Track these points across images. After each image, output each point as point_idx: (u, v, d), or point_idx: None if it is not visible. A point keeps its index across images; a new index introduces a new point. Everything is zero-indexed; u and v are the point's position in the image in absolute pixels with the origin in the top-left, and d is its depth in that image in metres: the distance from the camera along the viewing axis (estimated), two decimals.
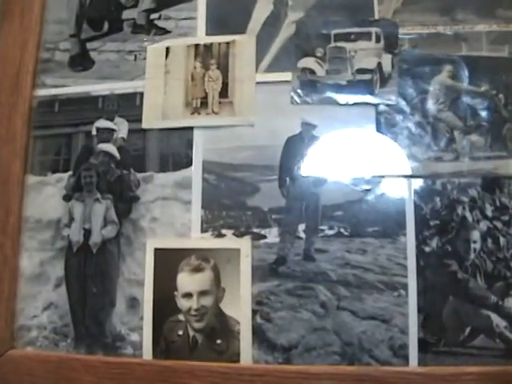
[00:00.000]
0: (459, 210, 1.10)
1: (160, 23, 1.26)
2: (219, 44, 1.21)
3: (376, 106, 1.15)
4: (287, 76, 1.18)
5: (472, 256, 1.08)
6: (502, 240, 1.08)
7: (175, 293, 1.13)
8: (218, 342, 1.11)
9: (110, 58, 1.27)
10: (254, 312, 1.11)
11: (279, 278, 1.12)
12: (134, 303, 1.17)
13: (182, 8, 1.26)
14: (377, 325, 1.08)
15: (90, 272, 1.20)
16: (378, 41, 1.17)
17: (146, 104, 1.22)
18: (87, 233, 1.21)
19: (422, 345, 1.06)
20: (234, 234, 1.15)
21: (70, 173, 1.24)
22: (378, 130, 1.14)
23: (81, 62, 1.28)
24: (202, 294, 1.11)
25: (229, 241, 1.15)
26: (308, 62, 1.18)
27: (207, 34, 1.23)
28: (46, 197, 1.24)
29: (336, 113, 1.16)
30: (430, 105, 1.14)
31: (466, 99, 1.14)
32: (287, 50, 1.19)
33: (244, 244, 1.13)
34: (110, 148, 1.23)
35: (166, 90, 1.21)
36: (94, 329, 1.18)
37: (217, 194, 1.17)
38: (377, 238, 1.11)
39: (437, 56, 1.16)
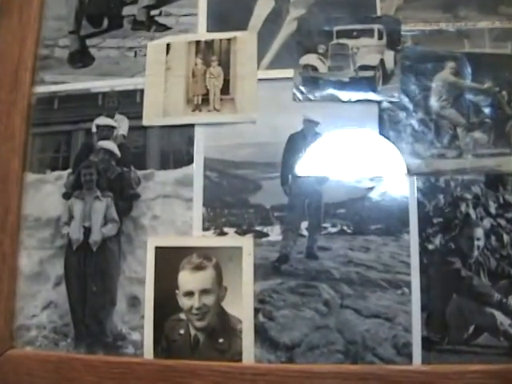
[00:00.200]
0: (463, 208, 1.09)
1: (160, 19, 1.25)
2: (220, 40, 1.20)
3: (379, 102, 1.14)
4: (289, 73, 1.17)
5: (476, 253, 1.08)
6: (505, 237, 1.08)
7: (176, 291, 1.12)
8: (220, 340, 1.10)
9: (110, 54, 1.26)
10: (257, 310, 1.10)
11: (282, 276, 1.11)
12: (134, 302, 1.16)
13: (182, 4, 1.25)
14: (380, 323, 1.07)
15: (90, 270, 1.18)
16: (380, 37, 1.16)
17: (147, 101, 1.21)
18: (87, 231, 1.20)
19: (426, 343, 1.06)
20: (236, 232, 1.14)
21: (70, 170, 1.23)
22: (381, 127, 1.13)
23: (80, 58, 1.27)
24: (204, 292, 1.10)
25: (231, 239, 1.14)
26: (310, 59, 1.17)
27: (208, 31, 1.22)
28: (46, 195, 1.23)
29: (338, 110, 1.15)
30: (433, 102, 1.14)
31: (468, 96, 1.13)
32: (289, 46, 1.18)
33: (246, 242, 1.12)
34: (110, 145, 1.22)
35: (167, 86, 1.21)
36: (95, 328, 1.17)
37: (218, 191, 1.16)
38: (380, 236, 1.10)
39: (439, 53, 1.15)
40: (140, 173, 1.20)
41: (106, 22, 1.28)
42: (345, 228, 1.11)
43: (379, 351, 1.06)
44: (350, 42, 1.17)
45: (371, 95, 1.14)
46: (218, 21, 1.22)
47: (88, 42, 1.28)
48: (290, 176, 1.14)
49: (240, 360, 1.09)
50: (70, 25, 1.29)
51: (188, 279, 1.12)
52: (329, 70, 1.17)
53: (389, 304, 1.07)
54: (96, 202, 1.20)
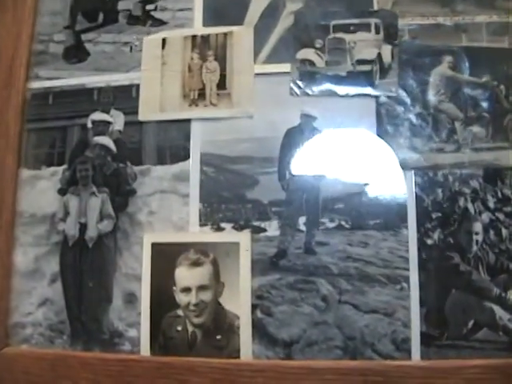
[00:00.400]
0: (461, 202, 1.09)
1: (156, 14, 1.24)
2: (216, 35, 1.19)
3: (376, 97, 1.14)
4: (286, 67, 1.16)
5: (474, 248, 1.07)
6: (504, 231, 1.07)
7: (174, 288, 1.11)
8: (218, 337, 1.10)
9: (106, 49, 1.25)
10: (255, 306, 1.10)
11: (280, 272, 1.10)
12: (131, 298, 1.15)
13: None
14: (379, 318, 1.06)
15: (86, 267, 1.17)
16: (377, 32, 1.16)
17: (143, 96, 1.20)
18: (83, 227, 1.19)
19: (425, 338, 1.05)
20: (233, 227, 1.13)
21: (65, 166, 1.22)
22: (379, 121, 1.13)
23: (75, 53, 1.26)
24: (201, 288, 1.09)
25: (228, 234, 1.13)
26: (307, 53, 1.17)
27: (204, 25, 1.21)
28: (41, 191, 1.22)
29: (336, 104, 1.14)
30: (431, 96, 1.13)
31: (466, 90, 1.13)
32: (286, 41, 1.18)
33: (244, 237, 1.12)
34: (105, 141, 1.21)
35: (163, 81, 1.20)
36: (91, 325, 1.16)
37: (215, 186, 1.15)
38: (378, 231, 1.09)
39: (437, 47, 1.15)
40: (136, 168, 1.19)
41: (101, 17, 1.27)
42: (343, 223, 1.11)
43: (378, 347, 1.05)
44: (347, 37, 1.17)
45: (369, 90, 1.14)
46: (214, 15, 1.21)
47: (83, 37, 1.27)
48: (287, 171, 1.13)
49: (238, 356, 1.08)
50: (65, 20, 1.28)
51: (185, 275, 1.11)
52: (326, 65, 1.16)
53: (388, 299, 1.07)
54: (92, 198, 1.19)
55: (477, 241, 1.07)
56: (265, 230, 1.12)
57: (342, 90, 1.14)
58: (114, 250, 1.17)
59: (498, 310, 1.05)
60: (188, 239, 1.14)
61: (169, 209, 1.16)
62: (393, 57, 1.14)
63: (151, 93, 1.20)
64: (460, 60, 1.14)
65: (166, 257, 1.13)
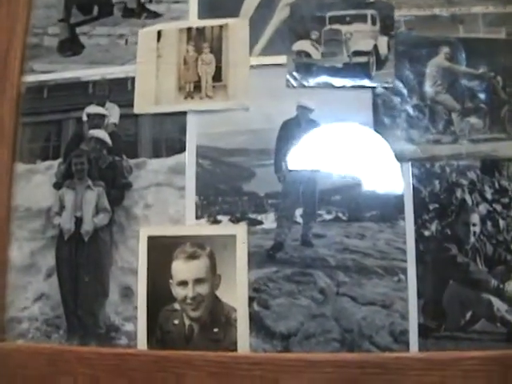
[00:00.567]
0: (458, 193, 1.08)
1: (151, 7, 1.24)
2: (212, 27, 1.19)
3: (373, 88, 1.13)
4: (282, 59, 1.16)
5: (472, 239, 1.07)
6: (501, 223, 1.07)
7: (170, 281, 1.11)
8: (215, 330, 1.09)
9: (100, 42, 1.25)
10: (252, 299, 1.09)
11: (277, 264, 1.10)
12: (127, 292, 1.15)
13: None
14: (377, 310, 1.06)
15: (81, 261, 1.17)
16: (373, 23, 1.15)
17: (138, 89, 1.20)
18: (79, 221, 1.18)
19: (423, 330, 1.05)
20: (229, 219, 1.13)
21: (61, 160, 1.22)
22: (375, 113, 1.12)
23: (70, 46, 1.26)
24: (198, 281, 1.09)
25: (224, 227, 1.13)
26: (303, 45, 1.16)
27: (199, 18, 1.21)
28: (36, 185, 1.22)
29: (332, 96, 1.14)
30: (428, 87, 1.13)
31: (463, 81, 1.13)
32: (282, 32, 1.17)
33: (240, 230, 1.11)
34: (101, 134, 1.20)
35: (158, 74, 1.19)
36: (87, 319, 1.15)
37: (212, 179, 1.15)
38: (375, 223, 1.09)
39: (433, 38, 1.14)
40: (132, 161, 1.19)
41: (95, 10, 1.26)
42: (340, 215, 1.10)
43: (376, 339, 1.05)
44: (343, 28, 1.16)
45: (365, 81, 1.13)
46: (209, 7, 1.21)
47: (78, 30, 1.27)
48: (283, 163, 1.13)
49: (235, 349, 1.08)
50: (59, 13, 1.28)
51: (182, 268, 1.10)
52: (322, 56, 1.16)
53: (385, 291, 1.07)
54: (87, 192, 1.19)
55: (474, 232, 1.07)
56: (261, 223, 1.12)
57: (338, 81, 1.14)
58: (109, 244, 1.17)
59: (496, 302, 1.05)
60: (184, 232, 1.13)
61: (165, 202, 1.16)
62: (389, 48, 1.14)
63: (147, 85, 1.19)
64: (457, 51, 1.13)
65: (162, 250, 1.12)
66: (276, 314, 1.08)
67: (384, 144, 1.11)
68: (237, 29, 1.18)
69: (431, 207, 1.08)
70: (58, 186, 1.21)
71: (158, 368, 1.08)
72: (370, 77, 1.13)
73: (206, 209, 1.14)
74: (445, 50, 1.13)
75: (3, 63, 1.25)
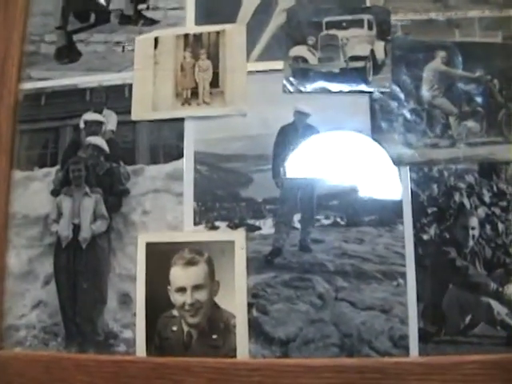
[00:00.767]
0: (457, 197, 1.08)
1: (148, 13, 1.24)
2: (209, 34, 1.19)
3: (370, 93, 1.13)
4: (279, 65, 1.16)
5: (471, 243, 1.07)
6: (500, 226, 1.07)
7: (168, 287, 1.10)
8: (214, 336, 1.09)
9: (98, 49, 1.25)
10: (250, 305, 1.09)
11: (275, 270, 1.10)
12: (126, 299, 1.14)
13: None
14: (376, 315, 1.06)
15: (79, 268, 1.17)
16: (370, 28, 1.16)
17: (135, 95, 1.20)
18: (76, 228, 1.18)
19: (423, 334, 1.04)
20: (227, 225, 1.12)
21: (58, 167, 1.22)
22: (373, 117, 1.12)
23: (67, 54, 1.26)
24: (196, 288, 1.08)
25: (223, 233, 1.12)
26: (300, 51, 1.16)
27: (196, 24, 1.21)
28: (34, 192, 1.21)
29: (329, 101, 1.14)
30: (425, 91, 1.13)
31: (460, 85, 1.13)
32: (278, 38, 1.17)
33: (238, 236, 1.11)
34: (98, 141, 1.20)
35: (156, 81, 1.19)
36: (86, 327, 1.15)
37: (209, 185, 1.15)
38: (374, 227, 1.09)
39: (430, 42, 1.15)
40: (129, 168, 1.18)
41: (92, 17, 1.27)
42: (338, 220, 1.10)
43: (375, 344, 1.04)
44: (339, 33, 1.16)
45: (362, 86, 1.14)
46: (206, 14, 1.21)
47: (75, 37, 1.27)
48: (281, 168, 1.13)
49: (234, 356, 1.07)
50: (56, 20, 1.28)
51: (180, 275, 1.10)
52: (319, 62, 1.16)
53: (384, 296, 1.06)
54: (85, 199, 1.19)
55: (473, 235, 1.07)
56: (259, 228, 1.11)
57: (335, 86, 1.14)
58: (107, 251, 1.16)
59: (496, 305, 1.04)
60: (182, 238, 1.13)
61: (163, 208, 1.15)
62: (386, 53, 1.14)
63: (144, 92, 1.19)
64: (453, 55, 1.13)
65: (160, 257, 1.12)
66: (275, 319, 1.08)
67: (382, 148, 1.10)
68: (234, 35, 1.18)
69: (430, 211, 1.08)
70: (55, 193, 1.20)
71: (157, 375, 1.08)
72: (366, 82, 1.13)
73: (204, 215, 1.13)
74: (441, 54, 1.14)
75: (1, 70, 1.25)
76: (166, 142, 1.18)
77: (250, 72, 1.16)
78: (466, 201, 1.08)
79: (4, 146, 1.22)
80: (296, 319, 1.07)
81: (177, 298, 1.09)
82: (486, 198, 1.08)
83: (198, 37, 1.19)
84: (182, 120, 1.17)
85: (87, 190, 1.19)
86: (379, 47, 1.14)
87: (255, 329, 1.08)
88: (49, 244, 1.19)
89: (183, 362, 1.07)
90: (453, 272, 1.06)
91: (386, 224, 1.08)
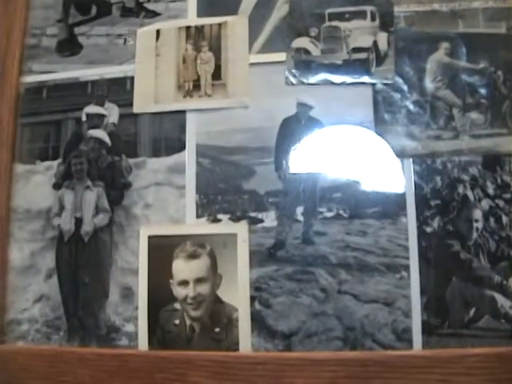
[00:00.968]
0: (460, 189, 1.08)
1: (150, 6, 1.23)
2: (211, 25, 1.18)
3: (373, 85, 1.12)
4: (281, 56, 1.15)
5: (474, 235, 1.06)
6: (504, 218, 1.06)
7: (171, 281, 1.10)
8: (216, 330, 1.08)
9: (99, 42, 1.24)
10: (253, 298, 1.08)
11: (278, 263, 1.09)
12: (128, 293, 1.14)
13: None
14: (379, 308, 1.05)
15: (81, 262, 1.16)
16: (373, 19, 1.15)
17: (137, 88, 1.19)
18: (78, 221, 1.18)
19: (426, 327, 1.04)
20: (230, 218, 1.12)
21: (60, 160, 1.21)
22: (376, 109, 1.11)
23: (69, 47, 1.25)
24: (199, 281, 1.08)
25: (225, 226, 1.12)
26: (302, 42, 1.15)
27: (198, 16, 1.20)
28: (35, 185, 1.21)
29: (332, 93, 1.13)
30: (428, 83, 1.12)
31: (464, 77, 1.12)
32: (281, 30, 1.16)
33: (241, 228, 1.10)
34: (100, 134, 1.20)
35: (157, 73, 1.19)
36: (88, 320, 1.14)
37: (211, 178, 1.14)
38: (377, 219, 1.08)
39: (433, 34, 1.14)
40: (131, 161, 1.18)
41: (94, 10, 1.26)
42: (341, 212, 1.09)
43: (379, 337, 1.04)
44: (342, 25, 1.16)
45: (365, 78, 1.13)
46: (208, 5, 1.20)
47: (76, 30, 1.26)
48: (284, 161, 1.12)
49: (237, 349, 1.07)
50: (57, 13, 1.27)
51: (182, 268, 1.09)
52: (321, 53, 1.15)
53: (387, 288, 1.05)
54: (87, 192, 1.18)
55: (477, 228, 1.06)
56: (262, 221, 1.11)
57: (338, 78, 1.13)
58: (109, 244, 1.16)
59: (500, 298, 1.04)
60: (184, 231, 1.13)
61: (165, 201, 1.15)
62: (389, 44, 1.13)
63: (146, 85, 1.19)
64: (457, 46, 1.12)
65: (162, 250, 1.12)
66: (277, 312, 1.07)
67: (385, 140, 1.10)
68: (236, 26, 1.17)
69: (433, 203, 1.07)
70: (57, 186, 1.20)
71: (159, 369, 1.07)
72: (369, 73, 1.13)
73: (207, 208, 1.13)
74: (445, 45, 1.13)
75: (2, 64, 1.24)
76: (167, 135, 1.17)
77: (253, 64, 1.15)
78: (469, 193, 1.07)
79: (5, 139, 1.21)
80: (299, 312, 1.07)
81: (179, 292, 1.09)
82: (490, 191, 1.07)
83: (199, 29, 1.19)
84: (183, 112, 1.17)
85: (89, 183, 1.19)
86: (382, 38, 1.14)
87: (258, 322, 1.07)
88: (51, 238, 1.19)
89: (185, 356, 1.07)
90: (456, 265, 1.05)
91: (389, 216, 1.08)
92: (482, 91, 1.11)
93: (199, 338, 1.09)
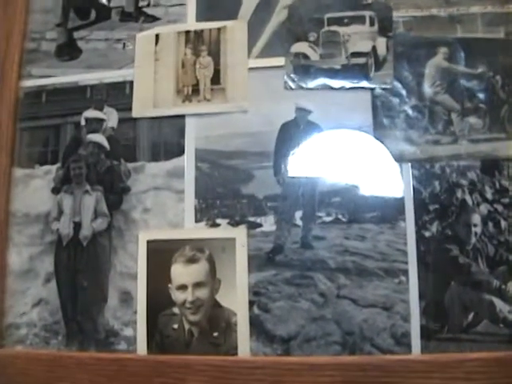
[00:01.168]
0: (459, 194, 1.08)
1: (149, 10, 1.24)
2: (210, 30, 1.19)
3: (371, 90, 1.13)
4: (280, 61, 1.15)
5: (473, 240, 1.06)
6: (503, 223, 1.06)
7: (169, 285, 1.10)
8: (215, 334, 1.08)
9: (98, 46, 1.24)
10: (252, 303, 1.08)
11: (276, 267, 1.09)
12: (126, 297, 1.14)
13: None
14: (378, 313, 1.05)
15: (80, 266, 1.16)
16: (372, 24, 1.15)
17: (136, 93, 1.19)
18: (77, 226, 1.18)
19: (425, 332, 1.04)
20: (228, 223, 1.12)
21: (59, 165, 1.21)
22: (375, 114, 1.12)
23: (68, 51, 1.25)
24: (197, 285, 1.08)
25: (224, 230, 1.12)
26: (301, 47, 1.16)
27: (197, 20, 1.21)
28: (34, 190, 1.21)
29: (331, 97, 1.13)
30: (427, 88, 1.12)
31: (462, 81, 1.12)
32: (280, 34, 1.17)
33: (239, 233, 1.10)
34: (99, 138, 1.20)
35: (157, 77, 1.19)
36: (86, 325, 1.14)
37: (210, 182, 1.14)
38: (376, 224, 1.08)
39: (432, 38, 1.14)
40: (130, 165, 1.18)
41: (93, 14, 1.26)
42: (340, 217, 1.10)
43: (377, 341, 1.04)
44: (341, 30, 1.16)
45: (364, 82, 1.13)
46: (207, 10, 1.20)
47: (75, 34, 1.26)
48: (283, 165, 1.12)
49: (236, 354, 1.07)
50: (56, 17, 1.28)
51: (181, 272, 1.09)
52: (320, 58, 1.15)
53: (386, 293, 1.06)
54: (86, 197, 1.18)
55: (475, 233, 1.06)
56: (260, 226, 1.11)
57: (336, 83, 1.14)
58: (108, 249, 1.16)
59: (498, 302, 1.04)
60: (183, 236, 1.13)
61: (164, 206, 1.15)
62: (388, 49, 1.13)
63: (145, 89, 1.19)
64: (455, 51, 1.13)
65: (161, 254, 1.12)
66: (276, 317, 1.07)
67: (383, 145, 1.10)
68: (235, 31, 1.17)
69: (431, 208, 1.07)
70: (56, 190, 1.20)
71: (158, 373, 1.07)
72: (368, 78, 1.13)
73: (205, 212, 1.13)
74: (443, 50, 1.13)
75: (1, 68, 1.24)
76: (166, 139, 1.17)
77: (252, 68, 1.16)
78: (468, 198, 1.07)
79: (4, 143, 1.22)
80: (297, 317, 1.07)
81: (178, 296, 1.09)
82: (489, 195, 1.07)
83: (198, 33, 1.19)
84: (182, 117, 1.17)
85: (88, 187, 1.19)
86: (381, 43, 1.14)
87: (256, 326, 1.07)
88: (49, 242, 1.19)
89: (184, 360, 1.07)
90: (455, 269, 1.05)
91: (387, 221, 1.08)
92: (481, 96, 1.11)
93: (198, 343, 1.08)
